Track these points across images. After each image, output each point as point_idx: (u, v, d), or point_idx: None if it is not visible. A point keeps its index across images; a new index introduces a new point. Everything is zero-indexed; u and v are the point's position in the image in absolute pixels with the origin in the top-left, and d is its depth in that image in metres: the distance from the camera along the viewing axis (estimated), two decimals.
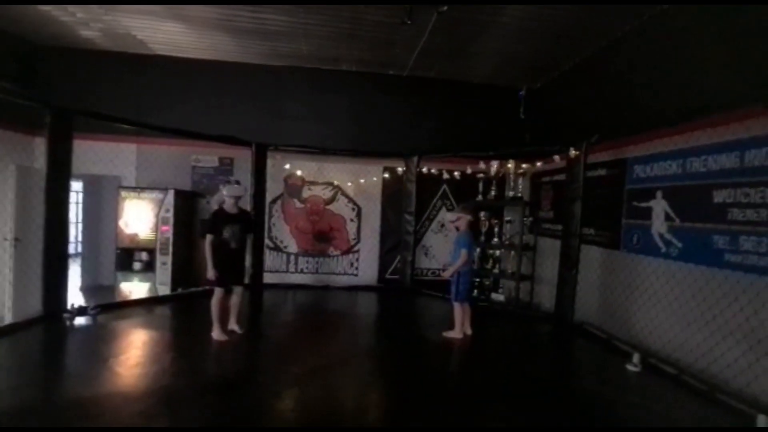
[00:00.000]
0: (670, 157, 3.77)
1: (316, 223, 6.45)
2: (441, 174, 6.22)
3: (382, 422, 2.52)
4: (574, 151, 4.55)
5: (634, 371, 3.26)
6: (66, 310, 3.87)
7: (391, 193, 6.47)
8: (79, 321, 3.86)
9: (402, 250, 6.29)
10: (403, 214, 6.26)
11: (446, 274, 3.96)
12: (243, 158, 5.90)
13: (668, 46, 3.92)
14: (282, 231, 6.38)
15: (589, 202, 4.53)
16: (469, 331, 4.03)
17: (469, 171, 6.06)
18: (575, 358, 3.98)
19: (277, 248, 6.37)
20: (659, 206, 3.85)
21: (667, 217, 3.75)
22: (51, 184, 3.67)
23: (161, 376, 2.84)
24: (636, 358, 3.31)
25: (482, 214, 6.06)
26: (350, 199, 6.51)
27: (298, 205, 6.43)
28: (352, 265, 6.57)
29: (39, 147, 5.57)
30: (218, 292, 3.64)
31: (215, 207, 4.08)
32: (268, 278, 5.98)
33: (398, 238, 6.36)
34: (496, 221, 6.01)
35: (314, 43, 5.38)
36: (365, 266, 6.57)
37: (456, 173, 6.14)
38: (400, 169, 6.29)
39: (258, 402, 2.58)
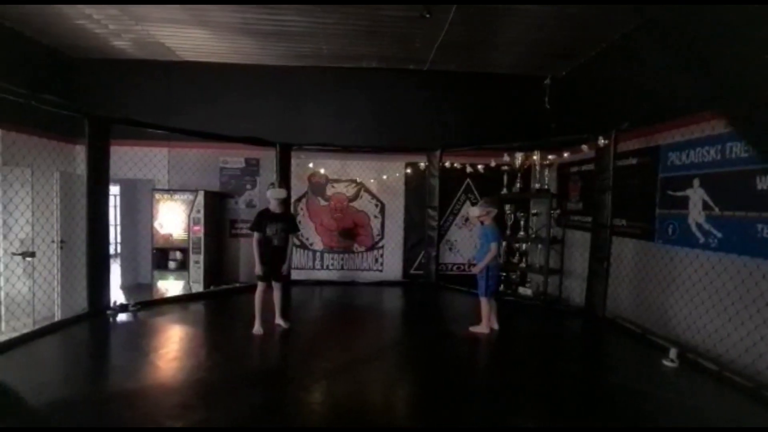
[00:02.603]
0: (707, 142, 3.59)
1: (340, 220, 6.53)
2: (464, 168, 6.15)
3: (409, 417, 2.54)
4: (603, 140, 4.40)
5: (671, 366, 3.14)
6: (109, 307, 4.10)
7: (414, 188, 6.46)
8: (121, 317, 4.09)
9: (426, 245, 6.28)
10: (426, 209, 6.24)
11: (476, 270, 3.93)
12: (268, 158, 6.04)
13: (702, 23, 3.71)
14: (307, 228, 6.49)
15: (619, 192, 4.37)
16: (496, 326, 3.99)
17: (493, 164, 5.98)
18: (608, 353, 3.87)
19: (303, 245, 6.50)
20: (696, 195, 3.67)
21: (705, 206, 3.58)
22: (92, 188, 3.88)
23: (198, 369, 2.98)
24: (673, 353, 3.18)
25: (507, 207, 5.96)
26: (373, 196, 6.55)
27: (323, 202, 6.52)
28: (376, 260, 6.62)
29: (79, 154, 5.92)
30: (260, 286, 3.79)
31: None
32: (295, 275, 6.11)
33: (422, 233, 6.35)
34: (522, 214, 5.90)
35: (334, 42, 5.42)
36: (390, 262, 6.60)
37: (480, 166, 6.07)
38: (422, 164, 6.27)
39: (289, 394, 2.66)
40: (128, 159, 5.42)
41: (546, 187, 5.75)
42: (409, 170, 6.44)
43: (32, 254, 4.53)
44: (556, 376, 3.07)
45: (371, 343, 3.75)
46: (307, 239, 6.52)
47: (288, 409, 2.49)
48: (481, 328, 3.89)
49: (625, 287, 4.50)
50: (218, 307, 4.88)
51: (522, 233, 5.88)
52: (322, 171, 6.37)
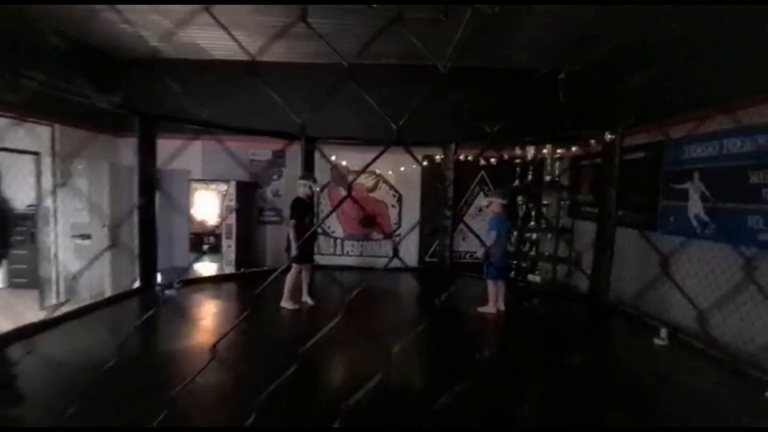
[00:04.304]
0: (707, 139, 3.81)
1: (360, 209, 6.94)
2: (478, 160, 6.45)
3: (412, 384, 2.94)
4: (609, 135, 4.63)
5: (662, 344, 3.44)
6: (157, 284, 4.64)
7: (430, 180, 6.79)
8: (168, 293, 4.62)
9: (440, 234, 6.63)
10: (441, 200, 6.58)
11: (479, 254, 4.28)
12: (294, 151, 6.47)
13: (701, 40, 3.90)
14: (329, 217, 6.93)
15: (626, 184, 4.61)
16: (502, 307, 4.34)
17: (506, 157, 6.24)
18: (604, 332, 4.18)
19: (324, 233, 6.94)
20: (695, 188, 3.91)
21: (704, 198, 3.82)
22: (142, 178, 4.38)
23: (237, 334, 3.46)
24: (663, 332, 3.48)
25: (520, 198, 6.25)
26: (391, 187, 6.92)
27: (343, 192, 6.93)
28: (393, 248, 7.01)
29: (123, 147, 6.48)
30: (296, 268, 4.24)
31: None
32: (317, 260, 6.57)
33: (437, 222, 6.69)
34: (533, 205, 6.18)
35: (356, 41, 5.76)
36: (406, 249, 6.99)
37: (493, 159, 6.35)
38: (438, 157, 6.59)
39: (310, 357, 3.10)
40: (166, 151, 5.93)
41: (557, 179, 6.01)
42: (425, 162, 6.76)
43: (88, 236, 5.11)
44: (553, 350, 3.41)
45: (387, 318, 4.16)
46: (329, 227, 6.96)
47: (309, 367, 2.91)
48: (488, 309, 4.26)
49: (628, 274, 4.77)
50: (248, 286, 5.41)
51: (533, 223, 6.16)
52: (343, 163, 6.76)
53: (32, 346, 2.94)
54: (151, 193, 4.55)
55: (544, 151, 5.85)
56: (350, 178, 6.87)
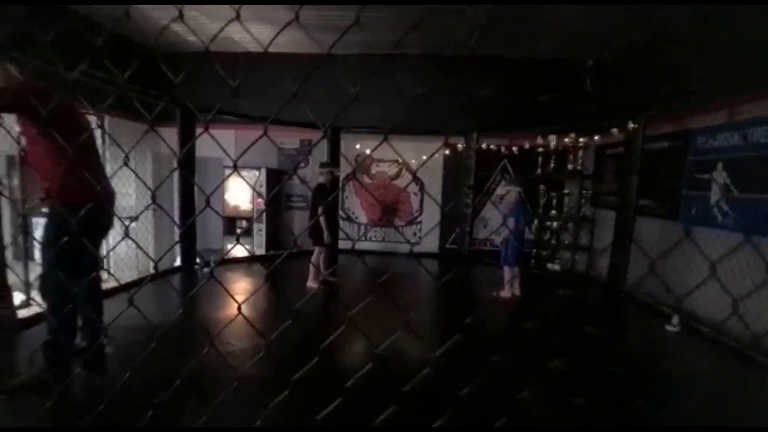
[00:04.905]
0: (732, 128, 3.77)
1: (383, 196, 7.17)
2: (499, 149, 6.51)
3: (424, 361, 3.18)
4: (632, 125, 4.62)
5: (673, 331, 3.52)
6: (196, 263, 5.07)
7: (452, 168, 6.92)
8: (205, 271, 5.05)
9: (461, 221, 6.78)
10: (462, 188, 6.71)
11: (496, 241, 4.43)
12: (320, 140, 6.75)
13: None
14: (353, 204, 7.20)
15: (649, 174, 4.61)
16: (518, 293, 4.49)
17: (527, 146, 6.28)
18: (619, 318, 4.26)
19: (349, 219, 7.24)
20: (719, 178, 3.89)
21: (727, 189, 3.80)
22: (183, 166, 4.77)
23: (268, 306, 3.82)
24: (675, 319, 3.55)
25: (541, 187, 6.29)
26: (413, 175, 7.10)
27: (367, 180, 7.18)
28: (415, 234, 7.23)
29: (162, 136, 6.95)
30: (319, 250, 4.55)
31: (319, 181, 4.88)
32: (342, 245, 6.89)
33: (458, 210, 6.84)
34: (554, 194, 6.22)
35: (380, 32, 5.91)
36: (427, 236, 7.19)
37: (515, 148, 6.40)
38: (460, 146, 6.70)
39: (331, 330, 3.38)
40: (201, 140, 6.32)
41: (579, 168, 6.01)
42: (447, 151, 6.89)
43: (135, 219, 5.59)
44: (566, 334, 3.56)
45: (405, 298, 4.40)
46: (353, 213, 7.24)
47: (328, 336, 3.20)
48: (503, 293, 4.42)
49: (648, 263, 4.79)
50: (278, 265, 5.79)
51: (554, 212, 6.21)
52: (367, 151, 6.99)
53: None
54: (190, 180, 4.92)
55: (567, 140, 5.85)
56: (374, 166, 7.10)
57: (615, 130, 5.09)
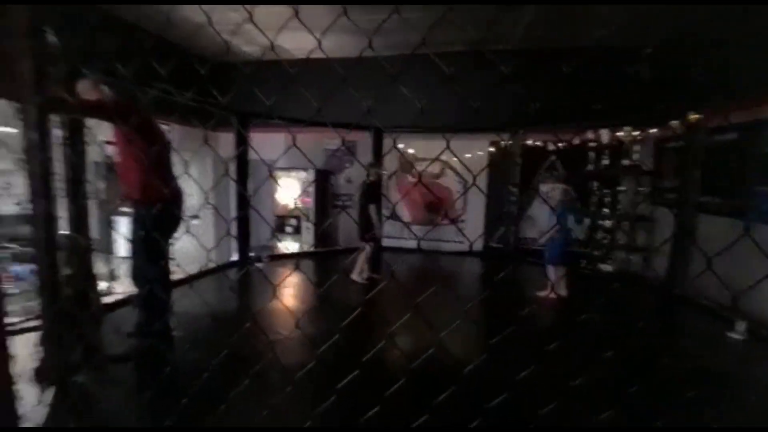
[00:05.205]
0: None
1: (426, 195, 7.22)
2: (546, 145, 6.32)
3: (464, 362, 3.21)
4: (694, 115, 4.31)
5: (737, 339, 3.26)
6: (250, 258, 5.46)
7: (497, 165, 6.80)
8: (258, 265, 5.43)
9: (506, 219, 6.65)
10: (507, 186, 6.58)
11: (540, 239, 4.34)
12: (364, 140, 6.94)
13: None
14: (397, 202, 7.32)
15: (714, 168, 4.27)
16: (564, 293, 4.36)
17: (577, 141, 6.03)
18: (677, 325, 4.00)
19: (392, 217, 7.36)
20: None
21: None
22: (239, 168, 5.16)
23: (316, 296, 4.05)
24: (740, 326, 3.28)
25: (594, 184, 6.02)
26: (457, 173, 7.08)
27: (411, 179, 7.26)
28: (458, 233, 7.20)
29: (219, 139, 7.50)
30: (370, 246, 4.75)
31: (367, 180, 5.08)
32: (385, 243, 7.04)
33: (503, 208, 6.72)
34: (608, 191, 5.92)
35: (423, 32, 5.97)
36: (471, 234, 7.13)
37: (564, 143, 6.17)
38: (505, 143, 6.58)
39: (373, 324, 3.51)
40: (253, 143, 6.77)
41: (636, 163, 5.67)
42: (492, 148, 6.79)
43: (197, 217, 6.12)
44: (613, 340, 3.41)
45: (447, 299, 4.43)
46: (396, 211, 7.36)
47: (374, 332, 3.33)
48: (547, 293, 4.32)
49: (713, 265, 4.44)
50: (324, 262, 6.10)
51: (607, 210, 5.91)
52: (410, 151, 7.07)
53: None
54: (245, 180, 5.31)
55: (622, 133, 5.55)
56: (417, 165, 7.17)
57: (675, 123, 4.75)
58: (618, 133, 5.55)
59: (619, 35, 5.79)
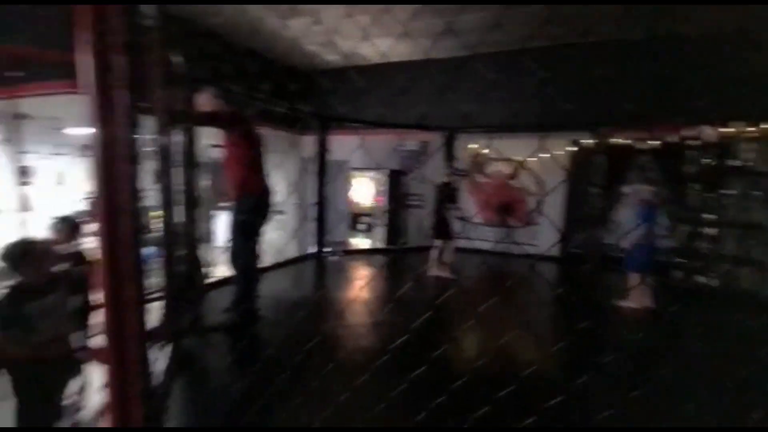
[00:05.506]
0: None
1: (498, 196, 7.07)
2: (635, 144, 5.80)
3: (543, 376, 3.14)
4: None
5: None
6: (326, 251, 5.91)
7: (578, 166, 6.42)
8: (332, 258, 5.85)
9: (588, 223, 6.24)
10: (590, 188, 6.17)
11: (622, 244, 4.04)
12: (437, 141, 7.03)
13: None
14: (467, 202, 7.27)
15: None
16: (650, 304, 4.00)
17: (675, 139, 5.44)
18: None
19: (463, 218, 7.33)
20: None
21: None
22: (320, 168, 5.62)
23: (387, 289, 4.28)
24: None
25: (694, 186, 5.38)
26: (533, 173, 6.81)
27: (483, 179, 7.16)
28: (533, 236, 6.92)
29: (301, 141, 8.15)
30: (444, 243, 4.97)
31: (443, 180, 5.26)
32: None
33: (584, 211, 6.32)
34: (710, 194, 5.26)
35: (504, 30, 5.88)
36: (547, 238, 6.81)
37: (656, 141, 5.61)
38: (589, 142, 6.18)
39: (448, 323, 3.60)
40: (332, 145, 7.23)
41: (750, 164, 4.96)
42: (573, 147, 6.42)
43: (282, 212, 6.75)
44: (707, 362, 3.06)
45: (520, 301, 4.35)
46: (467, 212, 7.31)
47: (442, 331, 3.42)
48: (629, 303, 4.00)
49: None
50: (396, 258, 6.38)
51: (708, 216, 5.26)
52: (484, 151, 6.98)
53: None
54: (324, 179, 5.74)
55: (728, 130, 4.90)
56: (489, 165, 7.05)
57: None
58: (724, 130, 4.90)
59: (728, 21, 5.10)
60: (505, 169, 6.99)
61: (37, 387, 2.22)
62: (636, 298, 4.00)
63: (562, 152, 6.51)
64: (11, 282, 2.16)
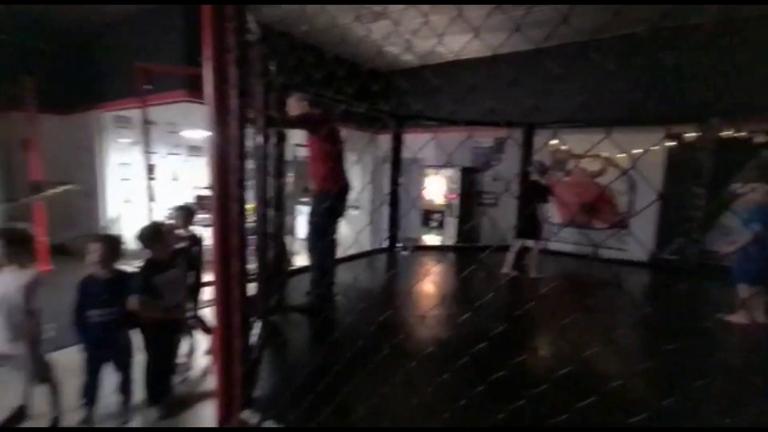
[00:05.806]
0: None
1: (581, 195, 6.62)
2: (751, 137, 5.04)
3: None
4: None
5: None
6: (397, 246, 6.09)
7: (677, 163, 5.76)
8: (404, 253, 6.01)
9: (687, 227, 5.58)
10: (691, 188, 5.51)
11: (726, 249, 3.57)
12: (513, 137, 6.79)
13: None
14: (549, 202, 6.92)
15: None
16: (761, 319, 3.49)
17: None
18: None
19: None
20: None
21: None
22: (393, 167, 5.81)
23: (453, 283, 4.33)
24: None
25: None
26: (622, 171, 6.26)
27: (564, 177, 6.76)
28: (620, 239, 6.37)
29: (378, 140, 8.44)
30: (517, 242, 4.91)
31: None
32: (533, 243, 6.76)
33: (683, 214, 5.65)
34: None
35: (581, 18, 5.48)
36: (636, 242, 6.23)
37: None
38: (690, 135, 5.51)
39: (520, 328, 3.52)
40: (407, 143, 7.38)
41: None
42: (670, 142, 5.78)
43: (357, 207, 7.10)
44: None
45: (606, 309, 4.06)
46: (547, 212, 6.96)
47: (521, 333, 3.35)
48: (737, 317, 3.52)
49: None
50: (465, 255, 6.37)
51: None
52: (564, 147, 6.59)
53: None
54: (398, 176, 5.92)
55: None
56: (572, 162, 6.63)
57: None
58: None
59: None
60: (590, 166, 6.53)
61: (161, 345, 2.70)
62: (746, 312, 3.51)
63: (658, 147, 5.89)
64: (145, 257, 2.66)
